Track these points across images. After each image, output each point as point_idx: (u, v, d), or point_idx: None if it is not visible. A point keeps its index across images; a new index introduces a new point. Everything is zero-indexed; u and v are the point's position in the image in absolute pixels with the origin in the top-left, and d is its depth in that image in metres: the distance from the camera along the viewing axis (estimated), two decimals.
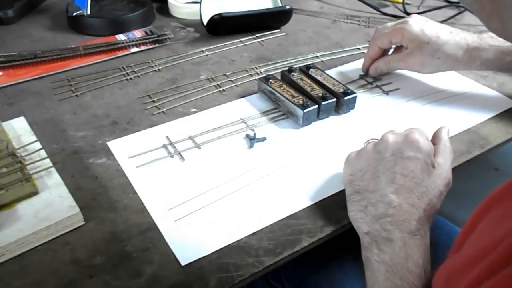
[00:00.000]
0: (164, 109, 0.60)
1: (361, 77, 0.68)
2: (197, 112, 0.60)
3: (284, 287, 0.61)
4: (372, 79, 0.66)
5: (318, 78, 0.61)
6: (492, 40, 0.59)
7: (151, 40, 0.76)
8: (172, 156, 0.52)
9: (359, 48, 0.76)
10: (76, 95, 0.62)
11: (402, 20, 0.63)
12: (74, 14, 0.78)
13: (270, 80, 0.60)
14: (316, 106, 0.56)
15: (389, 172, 0.42)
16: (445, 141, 0.46)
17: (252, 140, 0.53)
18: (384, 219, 0.41)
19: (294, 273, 0.61)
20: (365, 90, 0.65)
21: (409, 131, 0.44)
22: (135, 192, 0.47)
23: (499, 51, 0.58)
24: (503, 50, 0.58)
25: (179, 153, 0.52)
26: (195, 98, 0.62)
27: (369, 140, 0.49)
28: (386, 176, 0.42)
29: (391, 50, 0.67)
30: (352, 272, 0.59)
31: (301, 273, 0.60)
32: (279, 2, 0.82)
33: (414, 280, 0.38)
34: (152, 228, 0.43)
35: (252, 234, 0.43)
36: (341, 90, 0.59)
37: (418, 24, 0.60)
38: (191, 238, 0.42)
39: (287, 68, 0.63)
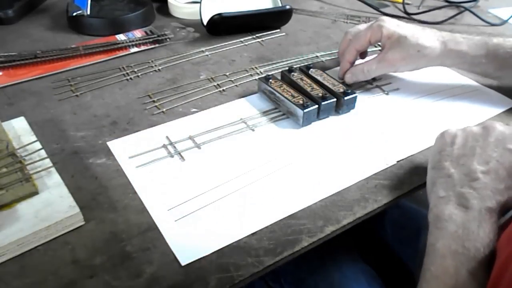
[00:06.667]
0: (164, 109, 0.60)
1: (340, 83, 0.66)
2: (197, 112, 0.60)
3: None
4: (372, 78, 0.66)
5: (318, 78, 0.61)
6: (462, 34, 0.61)
7: (151, 40, 0.76)
8: (172, 156, 0.52)
9: None
10: (76, 95, 0.62)
11: (374, 21, 0.63)
12: (74, 14, 0.78)
13: (270, 80, 0.60)
14: (316, 106, 0.56)
15: (486, 155, 0.42)
16: None
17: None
18: (465, 189, 0.40)
19: (293, 275, 0.61)
20: (365, 90, 0.65)
21: None
22: (135, 192, 0.47)
23: (471, 43, 0.60)
24: (475, 42, 0.60)
25: (179, 153, 0.52)
26: (195, 98, 0.62)
27: None
28: (481, 156, 0.42)
29: (357, 61, 0.65)
30: (350, 274, 0.59)
31: (300, 274, 0.60)
32: (279, 2, 0.82)
33: (481, 247, 0.37)
34: (152, 228, 0.43)
35: (252, 234, 0.43)
36: (341, 90, 0.59)
37: (393, 22, 0.61)
38: (191, 238, 0.42)
39: (287, 68, 0.63)
